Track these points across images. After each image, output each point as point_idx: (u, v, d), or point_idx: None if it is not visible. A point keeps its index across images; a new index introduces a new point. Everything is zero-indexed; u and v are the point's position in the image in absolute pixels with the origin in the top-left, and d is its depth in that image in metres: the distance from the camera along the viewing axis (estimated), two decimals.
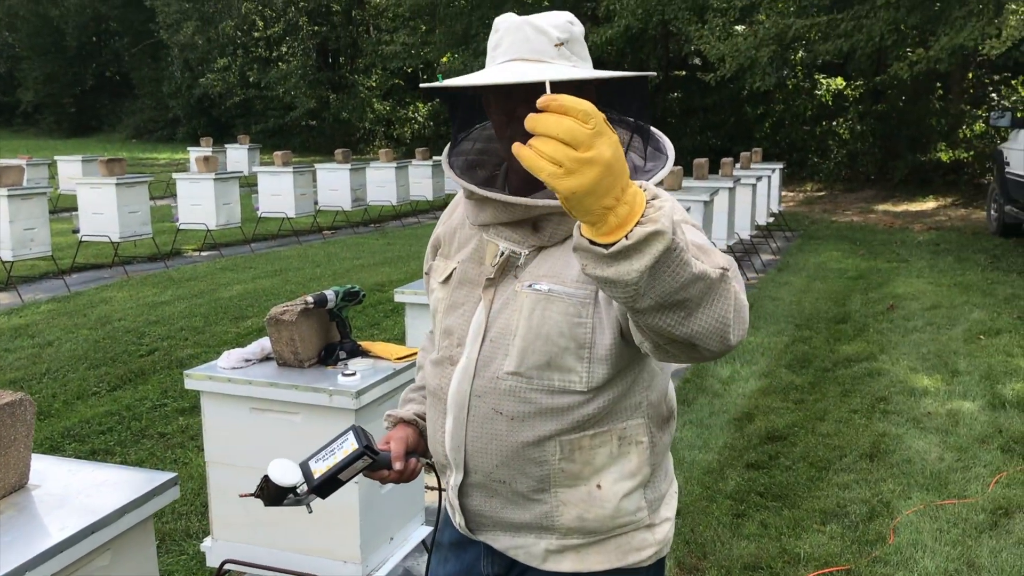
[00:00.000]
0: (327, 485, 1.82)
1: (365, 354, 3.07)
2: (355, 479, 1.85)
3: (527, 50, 1.60)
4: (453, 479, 1.77)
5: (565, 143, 1.14)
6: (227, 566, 2.99)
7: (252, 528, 2.94)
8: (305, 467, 1.83)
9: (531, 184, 1.60)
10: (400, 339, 6.32)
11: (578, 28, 1.67)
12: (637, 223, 1.20)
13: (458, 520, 1.81)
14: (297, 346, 2.94)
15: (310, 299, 2.96)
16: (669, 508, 1.81)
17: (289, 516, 2.86)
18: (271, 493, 1.79)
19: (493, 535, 1.77)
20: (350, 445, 1.82)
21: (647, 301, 1.27)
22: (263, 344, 3.05)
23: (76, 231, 10.61)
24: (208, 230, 11.29)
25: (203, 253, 11.93)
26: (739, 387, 6.09)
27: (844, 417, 5.50)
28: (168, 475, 2.06)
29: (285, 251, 12.16)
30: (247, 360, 3.01)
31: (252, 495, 1.82)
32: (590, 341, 1.64)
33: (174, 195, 11.89)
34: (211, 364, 2.97)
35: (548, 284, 1.64)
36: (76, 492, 1.97)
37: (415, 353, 3.06)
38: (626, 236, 1.20)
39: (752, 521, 4.11)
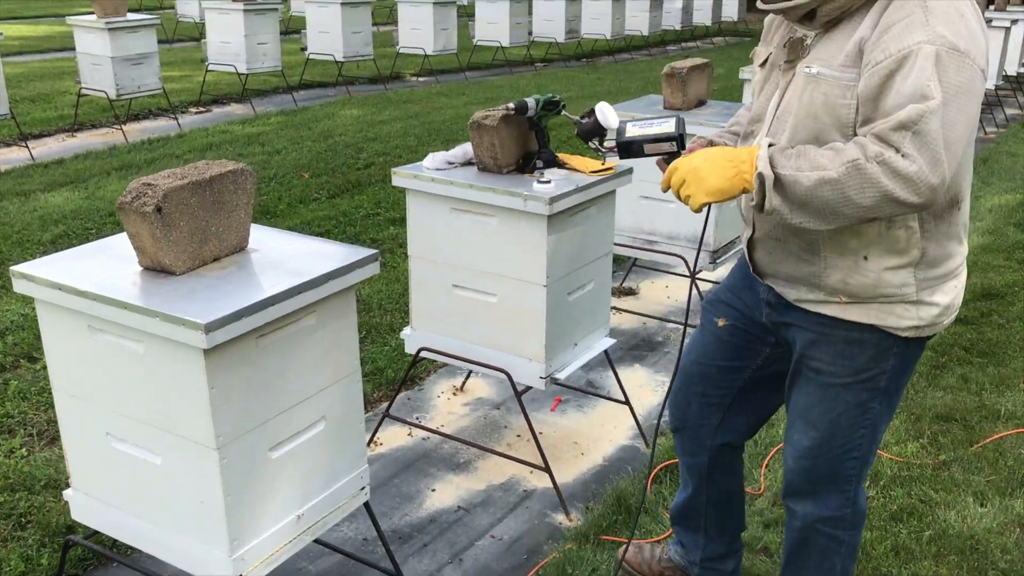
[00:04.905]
0: (630, 148, 2.09)
1: (562, 165, 3.09)
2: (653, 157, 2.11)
3: None
4: (745, 234, 2.09)
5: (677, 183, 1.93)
6: (422, 353, 3.21)
7: (447, 321, 3.12)
8: (623, 125, 2.09)
9: None
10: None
11: None
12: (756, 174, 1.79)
13: (749, 269, 2.13)
14: (497, 151, 3.00)
15: (511, 105, 2.99)
16: (944, 295, 1.94)
17: (482, 312, 3.01)
18: (587, 128, 2.09)
19: (775, 280, 2.06)
20: (668, 127, 2.07)
21: (796, 217, 1.78)
22: (466, 148, 3.13)
23: (304, 49, 11.10)
24: (426, 55, 11.50)
25: (420, 78, 12.21)
26: None
27: None
28: (370, 251, 2.20)
29: (497, 80, 12.25)
30: (450, 163, 3.11)
31: (575, 119, 2.13)
32: (852, 121, 1.78)
33: (396, 22, 12.15)
34: (417, 164, 3.10)
35: (818, 67, 1.83)
36: (289, 258, 2.16)
37: (611, 168, 3.06)
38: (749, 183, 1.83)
39: (952, 374, 3.94)
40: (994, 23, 9.14)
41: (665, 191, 1.99)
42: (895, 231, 1.87)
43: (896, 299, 1.91)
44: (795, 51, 1.93)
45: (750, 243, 2.10)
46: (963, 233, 1.96)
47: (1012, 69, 10.33)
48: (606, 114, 2.03)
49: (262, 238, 2.28)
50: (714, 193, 1.86)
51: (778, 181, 1.77)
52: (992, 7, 10.65)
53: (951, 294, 1.96)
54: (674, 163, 1.93)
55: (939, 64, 1.65)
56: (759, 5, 1.93)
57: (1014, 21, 9.82)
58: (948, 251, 1.92)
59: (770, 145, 1.83)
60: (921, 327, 1.94)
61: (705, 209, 1.94)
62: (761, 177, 1.77)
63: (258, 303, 1.90)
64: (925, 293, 1.92)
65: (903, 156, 1.65)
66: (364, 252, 2.19)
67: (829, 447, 2.08)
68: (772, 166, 1.77)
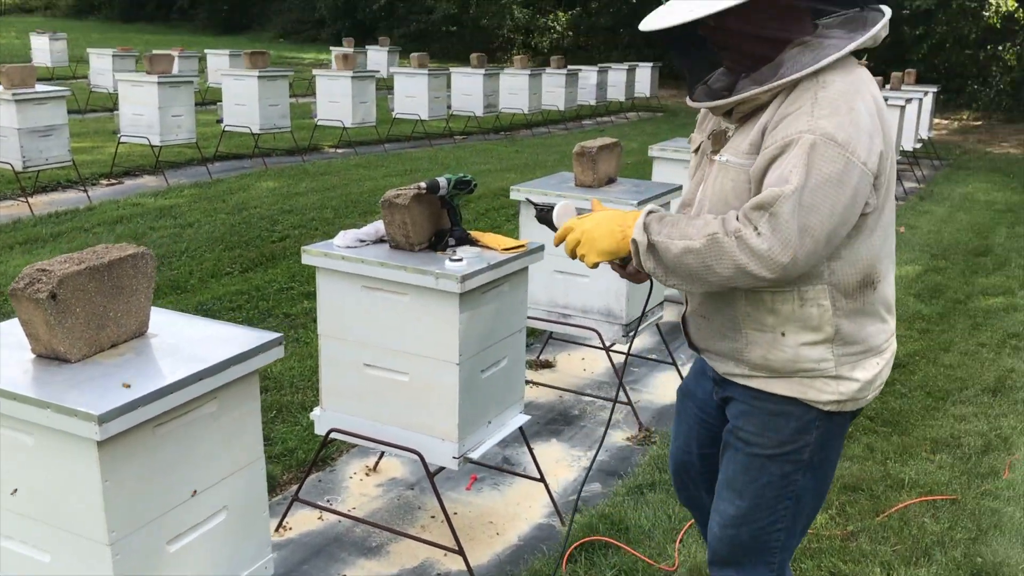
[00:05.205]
0: None
1: (474, 243, 3.11)
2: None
3: None
4: (682, 309, 2.22)
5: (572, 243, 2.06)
6: (332, 434, 3.15)
7: (358, 400, 3.07)
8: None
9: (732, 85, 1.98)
10: None
11: None
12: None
13: (687, 341, 2.22)
14: (409, 230, 3.01)
15: (423, 184, 3.01)
16: (864, 371, 2.00)
17: (394, 391, 2.98)
18: (545, 216, 2.23)
19: (707, 355, 2.16)
20: None
21: (670, 280, 1.90)
22: (377, 226, 3.13)
23: (220, 121, 11.02)
24: (344, 127, 11.54)
25: (339, 150, 12.23)
26: None
27: (971, 350, 5.28)
28: (274, 335, 2.17)
29: (416, 152, 12.34)
30: (361, 240, 3.10)
31: (536, 205, 2.29)
32: None
33: (315, 94, 12.19)
34: (328, 242, 3.08)
35: (728, 155, 1.97)
36: (189, 343, 2.11)
37: (523, 245, 3.09)
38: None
39: (858, 444, 4.03)
40: (890, 102, 9.59)
41: (557, 246, 2.13)
42: (807, 309, 1.94)
43: (816, 374, 1.98)
44: (718, 142, 2.05)
45: (683, 319, 2.21)
46: (884, 311, 2.03)
47: (908, 144, 10.84)
48: (564, 212, 2.23)
49: (163, 322, 2.23)
50: (604, 253, 2.01)
51: (652, 246, 1.90)
52: (888, 87, 11.20)
53: (872, 370, 2.02)
54: (569, 223, 2.08)
55: (812, 153, 1.76)
56: (687, 102, 2.07)
57: (908, 100, 10.34)
58: (866, 329, 1.99)
59: (650, 212, 1.94)
60: (843, 401, 2.00)
61: (648, 285, 2.16)
62: (635, 242, 1.91)
63: (155, 392, 1.85)
64: (845, 368, 1.98)
65: (758, 234, 1.77)
66: (267, 336, 2.16)
67: (754, 517, 2.11)
68: (647, 232, 1.90)
